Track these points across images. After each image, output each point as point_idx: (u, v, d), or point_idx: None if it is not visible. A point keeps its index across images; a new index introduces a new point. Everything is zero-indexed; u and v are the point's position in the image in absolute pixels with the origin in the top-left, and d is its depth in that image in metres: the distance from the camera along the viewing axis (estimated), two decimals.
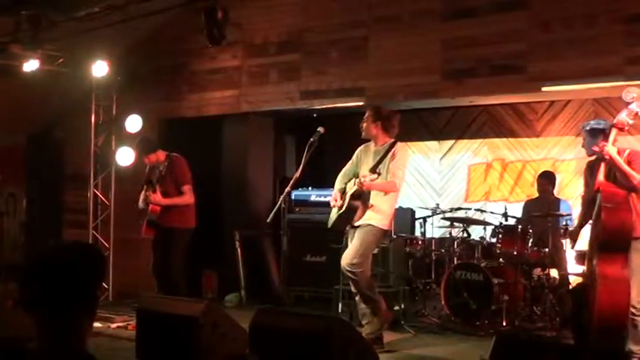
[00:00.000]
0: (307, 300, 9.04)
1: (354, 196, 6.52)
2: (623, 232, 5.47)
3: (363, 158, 6.78)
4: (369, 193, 6.54)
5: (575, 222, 6.68)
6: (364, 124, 6.73)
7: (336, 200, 6.70)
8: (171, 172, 7.70)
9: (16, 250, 11.22)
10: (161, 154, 7.86)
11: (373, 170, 6.42)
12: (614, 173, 5.66)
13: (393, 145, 6.62)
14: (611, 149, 5.59)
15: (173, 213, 7.63)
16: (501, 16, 7.66)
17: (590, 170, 6.00)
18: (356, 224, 6.56)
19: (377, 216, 6.51)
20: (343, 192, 6.70)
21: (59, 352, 2.19)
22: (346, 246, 6.68)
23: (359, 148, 6.88)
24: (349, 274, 6.47)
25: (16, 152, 11.08)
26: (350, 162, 6.91)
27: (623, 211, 5.50)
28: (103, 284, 9.65)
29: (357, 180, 6.41)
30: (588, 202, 5.95)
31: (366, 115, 6.76)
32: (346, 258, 6.48)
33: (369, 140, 6.83)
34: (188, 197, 7.68)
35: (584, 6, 7.23)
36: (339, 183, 6.83)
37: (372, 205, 6.50)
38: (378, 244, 6.82)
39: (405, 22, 8.26)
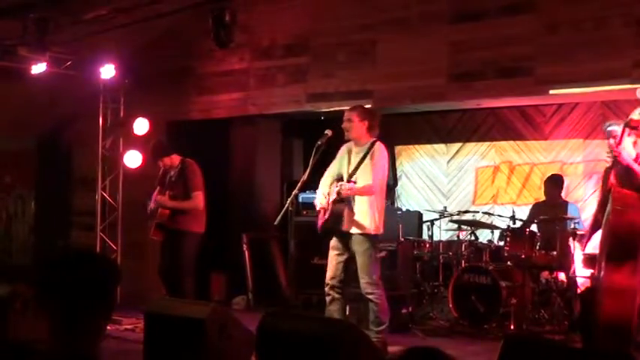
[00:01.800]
0: (315, 303, 9.02)
1: (336, 202, 6.42)
2: (632, 236, 5.40)
3: (347, 158, 6.61)
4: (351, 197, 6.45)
5: (584, 224, 6.66)
6: (351, 125, 6.51)
7: (322, 207, 6.55)
8: (183, 177, 7.68)
9: (25, 252, 11.25)
10: (176, 158, 7.82)
11: (350, 177, 6.36)
12: (629, 175, 5.60)
13: (372, 146, 6.48)
14: (625, 155, 5.54)
15: (183, 216, 7.60)
16: (509, 18, 7.64)
17: (607, 174, 5.93)
18: (345, 230, 6.44)
19: (364, 222, 6.40)
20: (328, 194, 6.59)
21: (70, 355, 2.19)
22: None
23: (343, 147, 6.69)
24: (371, 297, 6.38)
25: (25, 155, 11.11)
26: (334, 162, 6.73)
27: (632, 214, 5.43)
28: None
29: (337, 188, 6.34)
30: (601, 204, 5.89)
31: (351, 114, 6.54)
32: (360, 280, 6.39)
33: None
34: (195, 202, 7.58)
35: (593, 8, 7.20)
36: (324, 184, 6.66)
37: (354, 213, 6.40)
38: (377, 249, 6.68)
39: (412, 24, 8.25)
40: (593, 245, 6.19)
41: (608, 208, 5.54)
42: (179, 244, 7.61)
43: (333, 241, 6.57)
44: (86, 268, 2.25)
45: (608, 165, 5.99)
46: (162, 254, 7.88)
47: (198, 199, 7.60)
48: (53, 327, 2.21)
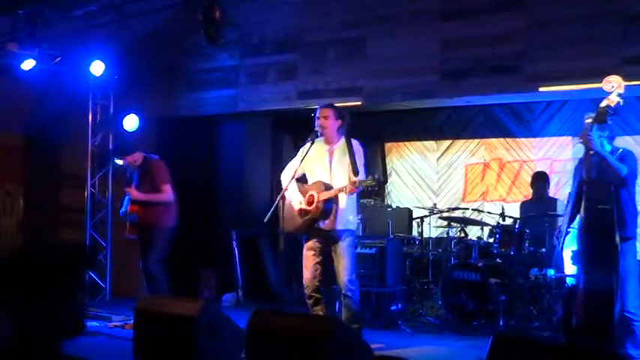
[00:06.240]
0: (305, 300, 9.02)
1: (327, 201, 6.34)
2: (606, 231, 5.39)
3: (315, 157, 6.50)
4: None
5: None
6: (327, 122, 6.41)
7: (302, 204, 6.45)
8: (147, 174, 7.71)
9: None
10: (138, 156, 7.86)
11: (356, 172, 6.22)
12: (600, 168, 5.59)
13: (350, 142, 6.41)
14: (595, 141, 5.52)
15: (154, 211, 7.66)
16: (499, 16, 7.65)
17: (580, 166, 5.89)
18: (330, 227, 6.40)
19: (349, 217, 6.42)
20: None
21: (34, 351, 2.21)
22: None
23: (307, 147, 6.46)
24: (349, 294, 6.37)
25: (13, 151, 11.06)
26: (297, 160, 6.58)
27: (606, 212, 5.41)
28: (101, 283, 9.65)
29: (346, 185, 6.19)
30: (575, 198, 5.85)
31: (327, 112, 6.45)
32: (342, 278, 6.36)
33: (303, 139, 6.61)
34: (166, 195, 7.66)
35: (582, 6, 7.22)
36: (289, 182, 6.46)
37: (341, 209, 6.35)
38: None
39: (402, 21, 8.25)
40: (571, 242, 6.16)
41: (583, 205, 5.52)
42: (151, 238, 7.67)
43: (310, 242, 6.57)
44: (39, 262, 2.27)
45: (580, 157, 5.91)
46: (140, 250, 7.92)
47: (168, 191, 7.63)
48: (13, 321, 2.23)
